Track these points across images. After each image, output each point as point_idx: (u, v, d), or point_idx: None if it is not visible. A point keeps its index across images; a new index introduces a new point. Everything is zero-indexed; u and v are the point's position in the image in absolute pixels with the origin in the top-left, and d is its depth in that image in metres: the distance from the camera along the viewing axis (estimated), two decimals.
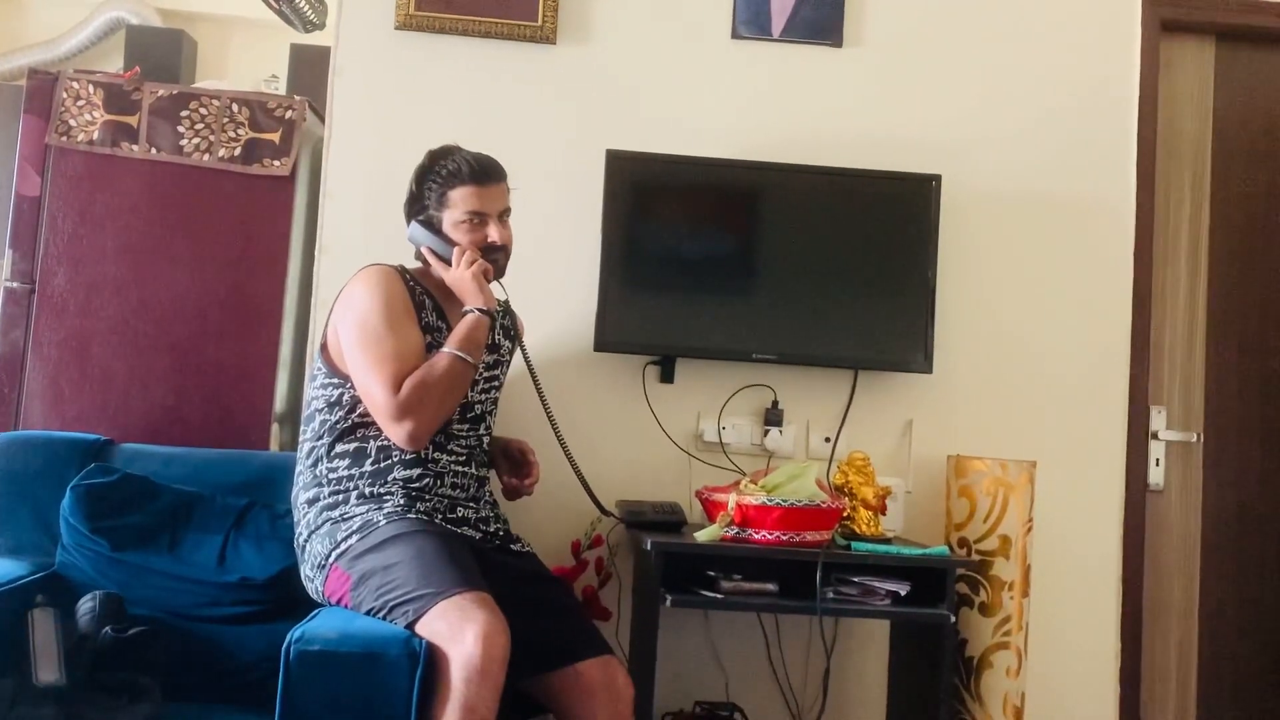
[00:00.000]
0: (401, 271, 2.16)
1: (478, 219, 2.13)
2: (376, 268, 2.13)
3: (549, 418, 2.26)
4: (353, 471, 2.06)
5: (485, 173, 2.15)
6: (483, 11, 2.62)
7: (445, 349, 2.03)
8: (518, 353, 2.29)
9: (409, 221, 2.20)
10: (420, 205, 2.18)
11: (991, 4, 2.74)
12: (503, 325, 2.25)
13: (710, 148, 2.60)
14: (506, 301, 2.28)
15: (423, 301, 2.13)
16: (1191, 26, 2.80)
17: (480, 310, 2.08)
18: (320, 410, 2.11)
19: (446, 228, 2.14)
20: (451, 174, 2.13)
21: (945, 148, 2.68)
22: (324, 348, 2.13)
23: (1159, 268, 2.77)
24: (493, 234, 2.14)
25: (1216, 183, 2.84)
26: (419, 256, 2.22)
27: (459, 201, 2.13)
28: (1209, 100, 2.85)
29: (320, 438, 2.09)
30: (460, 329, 2.07)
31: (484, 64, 2.64)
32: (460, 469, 2.13)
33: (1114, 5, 2.75)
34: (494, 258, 2.15)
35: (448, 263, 2.12)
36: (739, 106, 2.67)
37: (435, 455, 2.09)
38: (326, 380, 2.11)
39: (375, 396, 2.00)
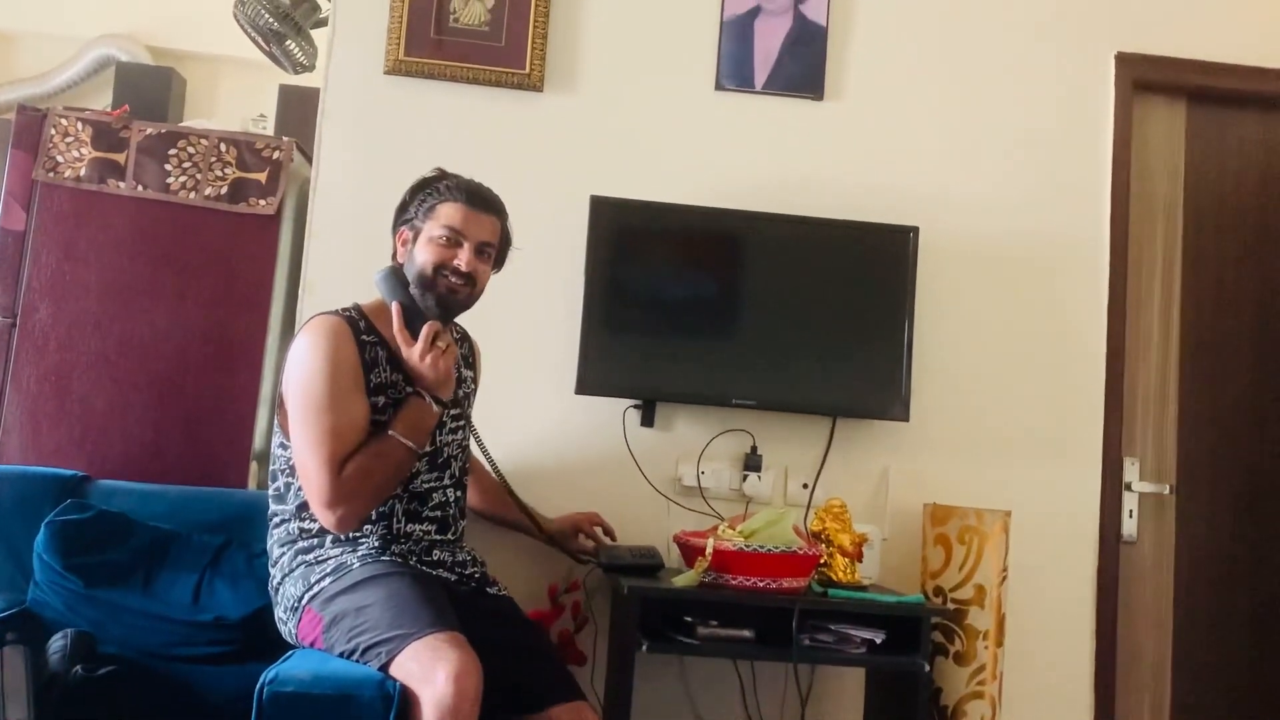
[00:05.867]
0: (353, 322, 2.03)
1: (453, 238, 2.04)
2: (325, 322, 2.01)
3: (491, 465, 2.26)
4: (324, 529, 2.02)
5: (479, 198, 2.08)
6: (471, 59, 2.66)
7: (397, 436, 1.94)
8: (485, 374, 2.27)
9: (395, 228, 2.11)
10: (406, 215, 2.09)
11: (969, 60, 2.80)
12: (461, 354, 2.20)
13: (693, 195, 2.63)
14: (465, 331, 2.28)
15: (376, 357, 2.01)
16: (1163, 87, 2.87)
17: (437, 401, 2.00)
18: (283, 471, 2.06)
19: (421, 242, 2.05)
20: (447, 189, 2.07)
21: (922, 199, 2.72)
22: (281, 404, 2.05)
23: (1132, 321, 2.82)
24: (461, 259, 2.03)
25: (1188, 238, 2.90)
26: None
27: (442, 215, 2.05)
28: (1180, 158, 2.90)
29: (284, 501, 2.06)
30: (411, 414, 1.97)
31: (471, 110, 2.68)
32: (437, 538, 2.09)
33: (1087, 65, 2.82)
34: (456, 284, 2.04)
35: (409, 332, 1.97)
36: (722, 156, 2.72)
37: (409, 528, 2.05)
38: (284, 440, 2.05)
39: (311, 475, 1.93)
